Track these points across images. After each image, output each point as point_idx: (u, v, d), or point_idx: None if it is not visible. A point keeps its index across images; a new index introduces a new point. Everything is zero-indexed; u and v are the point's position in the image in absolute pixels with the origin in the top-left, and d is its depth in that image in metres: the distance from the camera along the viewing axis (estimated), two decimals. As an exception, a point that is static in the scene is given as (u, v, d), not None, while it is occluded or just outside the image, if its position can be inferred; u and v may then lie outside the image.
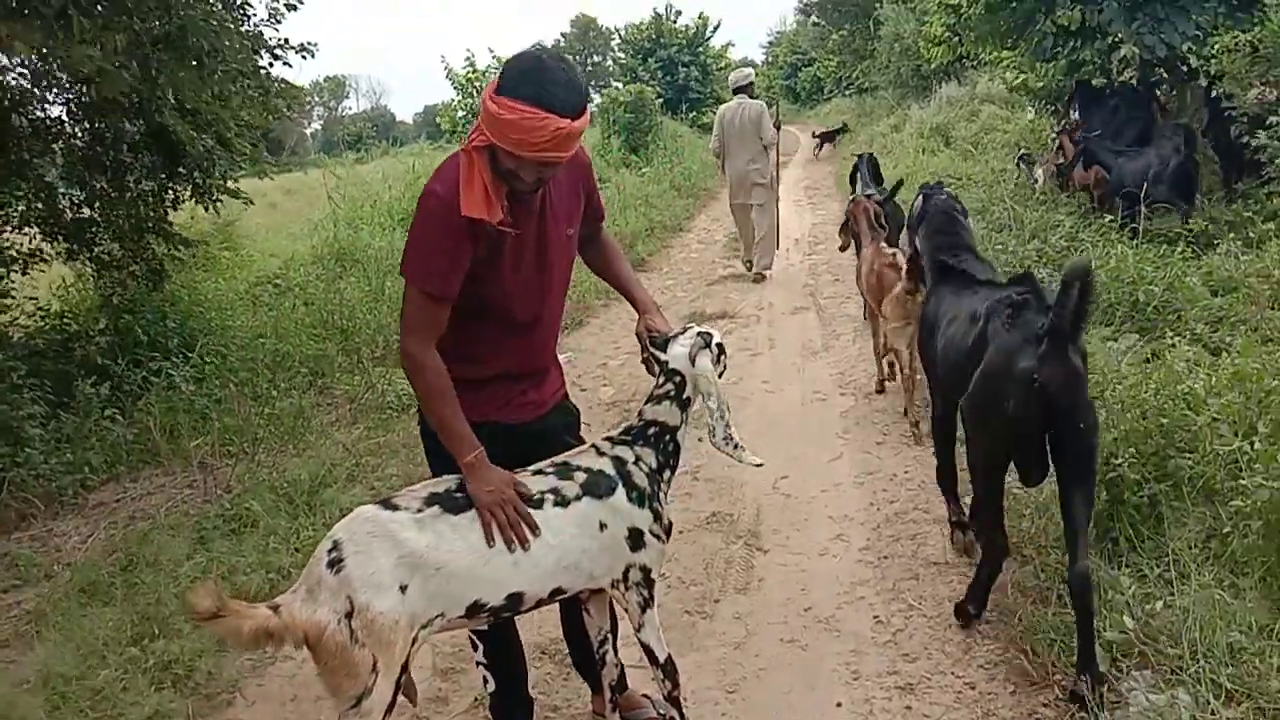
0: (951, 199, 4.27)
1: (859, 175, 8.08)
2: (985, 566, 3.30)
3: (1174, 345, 4.64)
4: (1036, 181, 9.68)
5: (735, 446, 2.61)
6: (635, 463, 2.57)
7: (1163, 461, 3.53)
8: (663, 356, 2.67)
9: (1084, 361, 2.91)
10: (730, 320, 7.93)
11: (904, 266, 4.90)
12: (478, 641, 2.78)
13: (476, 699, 3.26)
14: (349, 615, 2.18)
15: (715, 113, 10.18)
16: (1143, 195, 7.16)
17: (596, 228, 2.83)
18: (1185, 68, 10.02)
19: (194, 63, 6.13)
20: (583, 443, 2.76)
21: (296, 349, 6.91)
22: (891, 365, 5.71)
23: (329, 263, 9.24)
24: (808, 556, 4.01)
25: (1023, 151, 10.61)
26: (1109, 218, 7.24)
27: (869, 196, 6.43)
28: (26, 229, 6.88)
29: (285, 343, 6.98)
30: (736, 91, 9.24)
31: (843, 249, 6.43)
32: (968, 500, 3.70)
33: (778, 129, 9.29)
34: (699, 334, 2.68)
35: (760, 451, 4.96)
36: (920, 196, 4.36)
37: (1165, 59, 8.86)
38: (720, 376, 2.66)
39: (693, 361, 2.63)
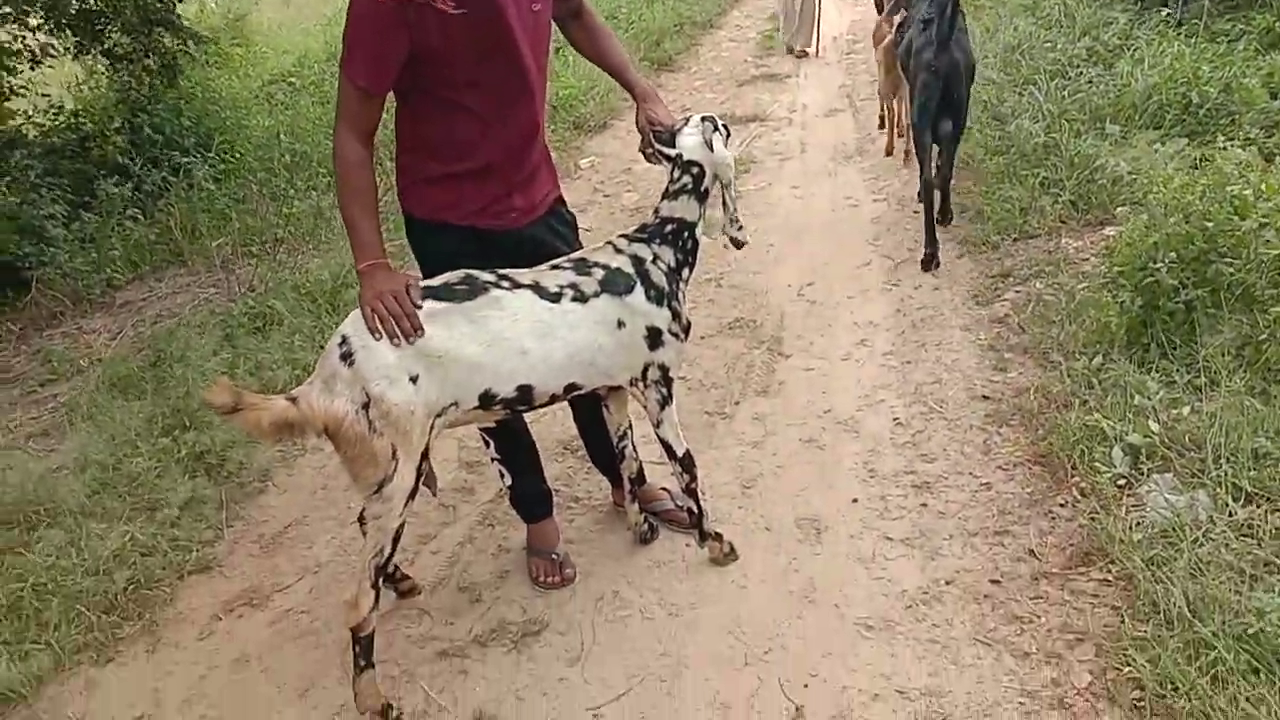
0: None
1: None
2: (924, 199, 4.77)
3: (1225, 149, 4.43)
4: None
5: (740, 228, 2.62)
6: (653, 261, 2.54)
7: (1203, 267, 3.42)
8: (672, 151, 2.58)
9: (963, 53, 4.69)
10: (761, 123, 7.65)
11: (894, 25, 5.85)
12: (489, 439, 2.82)
13: (500, 490, 3.35)
14: (365, 406, 2.19)
15: None
16: None
17: (577, 2, 2.64)
18: None
19: None
20: (579, 247, 2.72)
21: (314, 149, 6.78)
22: (893, 121, 6.43)
23: (345, 59, 8.93)
24: (830, 361, 4.00)
25: None
26: (1165, 11, 6.81)
27: None
28: (30, 19, 6.65)
29: (302, 142, 6.86)
30: None
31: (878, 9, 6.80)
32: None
33: None
34: (704, 119, 2.60)
35: (788, 258, 5.02)
36: None
37: None
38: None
39: (710, 148, 2.55)
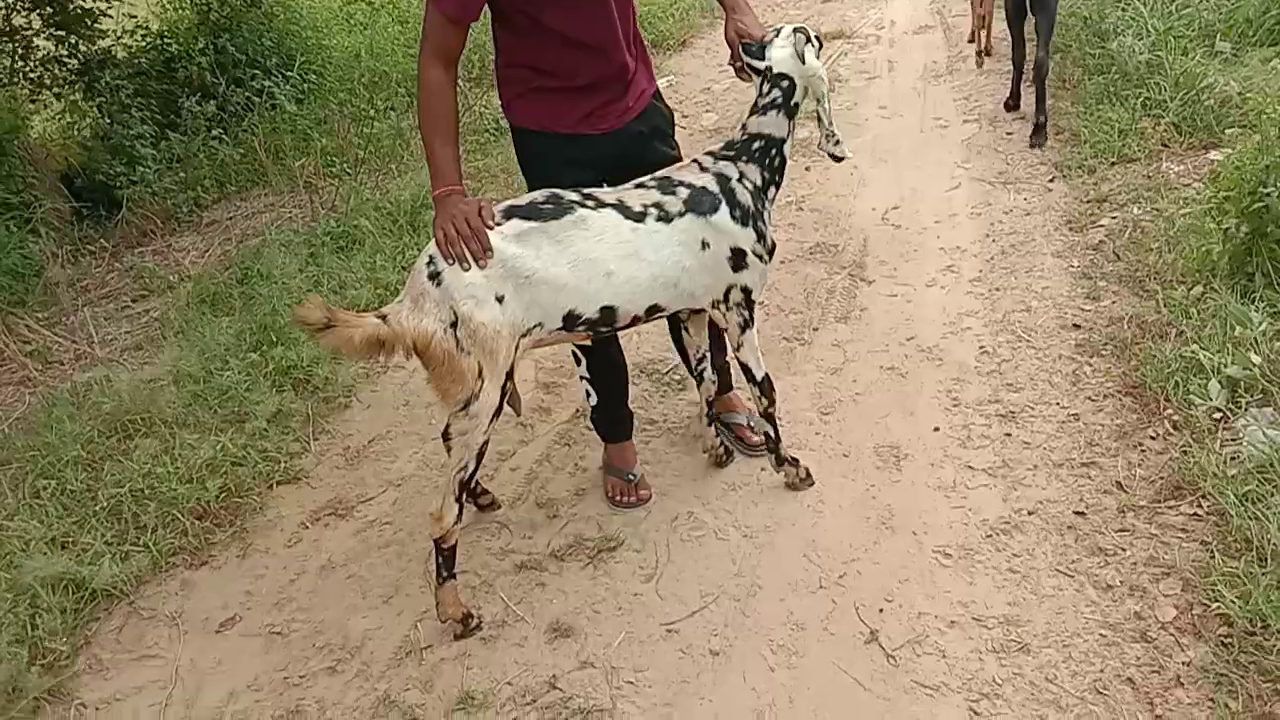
0: None
1: None
2: (1014, 71, 5.44)
3: (1349, 66, 4.17)
4: None
5: (838, 142, 2.56)
6: (739, 179, 2.50)
7: (1317, 193, 3.25)
8: (762, 64, 2.52)
9: None
10: (847, 40, 7.42)
11: None
12: (580, 356, 2.84)
13: (577, 410, 3.39)
14: (453, 325, 2.22)
15: None
16: None
17: None
18: None
19: None
20: (676, 147, 2.73)
21: (393, 69, 6.80)
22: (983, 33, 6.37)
23: (424, -23, 8.88)
24: (914, 288, 3.92)
25: None
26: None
27: None
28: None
29: (382, 62, 6.87)
30: None
31: None
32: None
33: None
34: (795, 30, 2.53)
35: (873, 181, 4.92)
36: None
37: None
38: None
39: (802, 59, 2.50)
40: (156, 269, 4.78)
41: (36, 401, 3.75)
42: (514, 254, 2.25)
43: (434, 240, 2.26)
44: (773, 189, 2.59)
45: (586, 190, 2.40)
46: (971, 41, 6.65)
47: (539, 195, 2.36)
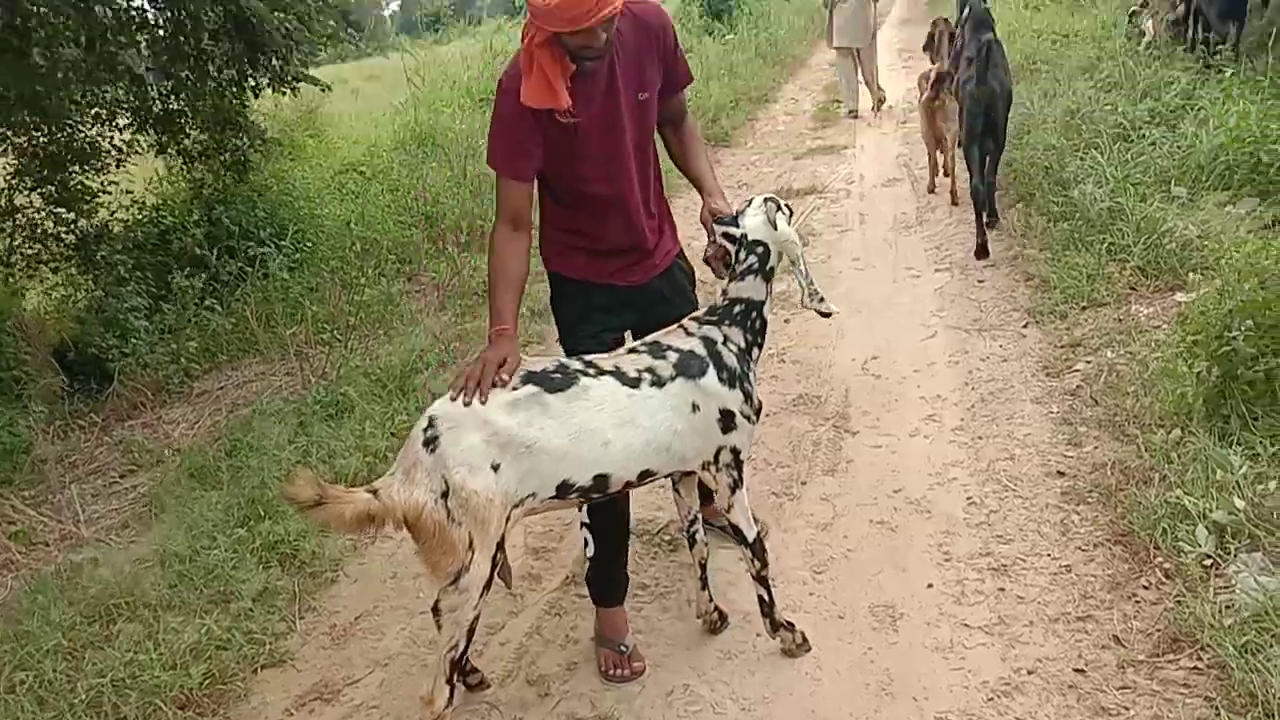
0: (984, 8, 6.28)
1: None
2: (975, 209, 5.75)
3: (1300, 209, 4.34)
4: (1145, 35, 8.99)
5: (821, 299, 2.65)
6: (724, 343, 2.57)
7: (1282, 334, 3.33)
8: (737, 232, 2.64)
9: (1000, 85, 5.70)
10: (819, 195, 7.69)
11: (930, 77, 6.75)
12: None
13: (568, 577, 3.35)
14: (445, 495, 2.22)
15: None
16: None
17: (680, 102, 2.83)
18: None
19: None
20: (695, 303, 2.89)
21: (384, 236, 7.00)
22: (935, 163, 7.13)
23: (411, 147, 9.22)
24: (898, 438, 3.95)
25: (1133, 9, 9.82)
26: (1229, 72, 6.76)
27: (945, 21, 7.71)
28: (117, 118, 7.03)
29: (372, 230, 7.07)
30: None
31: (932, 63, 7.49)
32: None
33: None
34: (766, 200, 2.66)
35: (851, 332, 5.00)
36: (965, 6, 6.50)
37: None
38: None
39: (773, 225, 2.62)
40: (145, 443, 4.78)
41: (19, 586, 3.69)
42: (517, 423, 2.29)
43: (448, 399, 2.32)
44: (756, 350, 2.65)
45: (588, 357, 2.48)
46: (932, 192, 7.19)
47: (550, 364, 2.43)
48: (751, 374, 2.61)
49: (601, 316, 2.79)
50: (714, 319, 2.61)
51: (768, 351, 4.86)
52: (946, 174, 7.04)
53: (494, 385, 2.33)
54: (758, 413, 2.63)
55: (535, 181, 2.62)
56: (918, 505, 3.46)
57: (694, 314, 2.66)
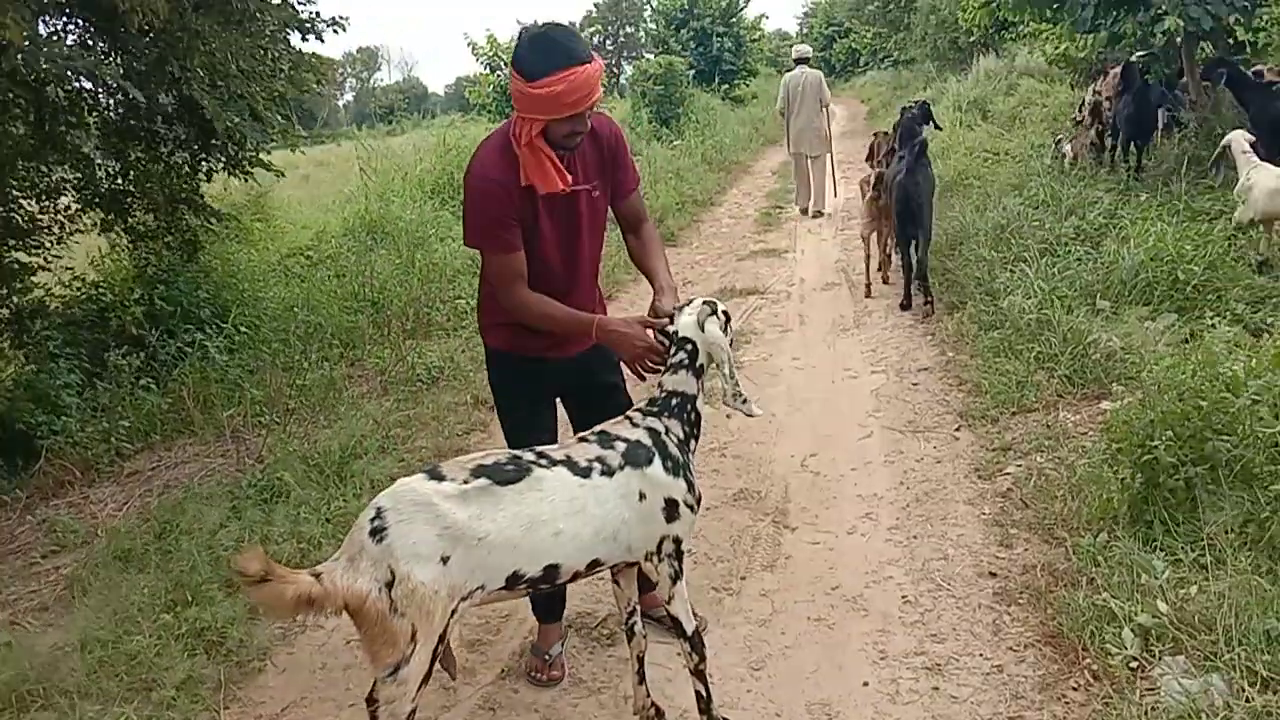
0: (916, 115, 7.56)
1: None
2: (904, 276, 6.94)
3: (1214, 326, 4.56)
4: (1065, 157, 9.52)
5: (744, 401, 2.72)
6: (666, 433, 2.64)
7: (1200, 444, 3.46)
8: (672, 327, 2.74)
9: (924, 178, 6.78)
10: (760, 296, 7.88)
11: (873, 182, 7.50)
12: None
13: (503, 671, 3.29)
14: (389, 585, 2.20)
15: (749, 85, 14.72)
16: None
17: (635, 205, 3.05)
18: (1231, 41, 9.76)
19: (235, 23, 6.13)
20: (620, 373, 3.05)
21: (328, 321, 6.98)
22: (871, 261, 7.73)
23: (360, 235, 9.28)
24: (836, 535, 4.00)
25: (1058, 136, 10.41)
26: (1144, 196, 7.17)
27: (884, 134, 8.68)
28: (62, 197, 6.96)
29: (317, 314, 7.04)
30: (798, 62, 11.66)
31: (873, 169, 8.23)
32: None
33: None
34: (704, 303, 2.77)
35: (790, 429, 5.08)
36: (900, 111, 7.92)
37: (1211, 30, 8.61)
38: (730, 344, 2.79)
39: (701, 327, 2.72)
40: (71, 523, 4.62)
41: (-76, 671, 3.50)
42: (469, 515, 2.28)
43: (401, 487, 2.33)
44: (693, 441, 2.73)
45: (539, 448, 2.52)
46: (869, 297, 7.57)
47: (502, 456, 2.44)
48: (691, 464, 2.67)
49: (529, 385, 3.01)
50: (655, 410, 2.68)
51: (709, 445, 4.93)
52: (881, 266, 7.80)
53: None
54: (698, 502, 2.68)
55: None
56: (854, 603, 3.49)
57: (639, 405, 2.73)
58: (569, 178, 2.71)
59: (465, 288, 7.73)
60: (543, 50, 2.56)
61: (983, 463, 4.39)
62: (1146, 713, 2.62)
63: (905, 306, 6.89)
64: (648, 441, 2.59)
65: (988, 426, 4.74)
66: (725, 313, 2.81)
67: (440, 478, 2.34)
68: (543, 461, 2.45)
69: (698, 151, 15.55)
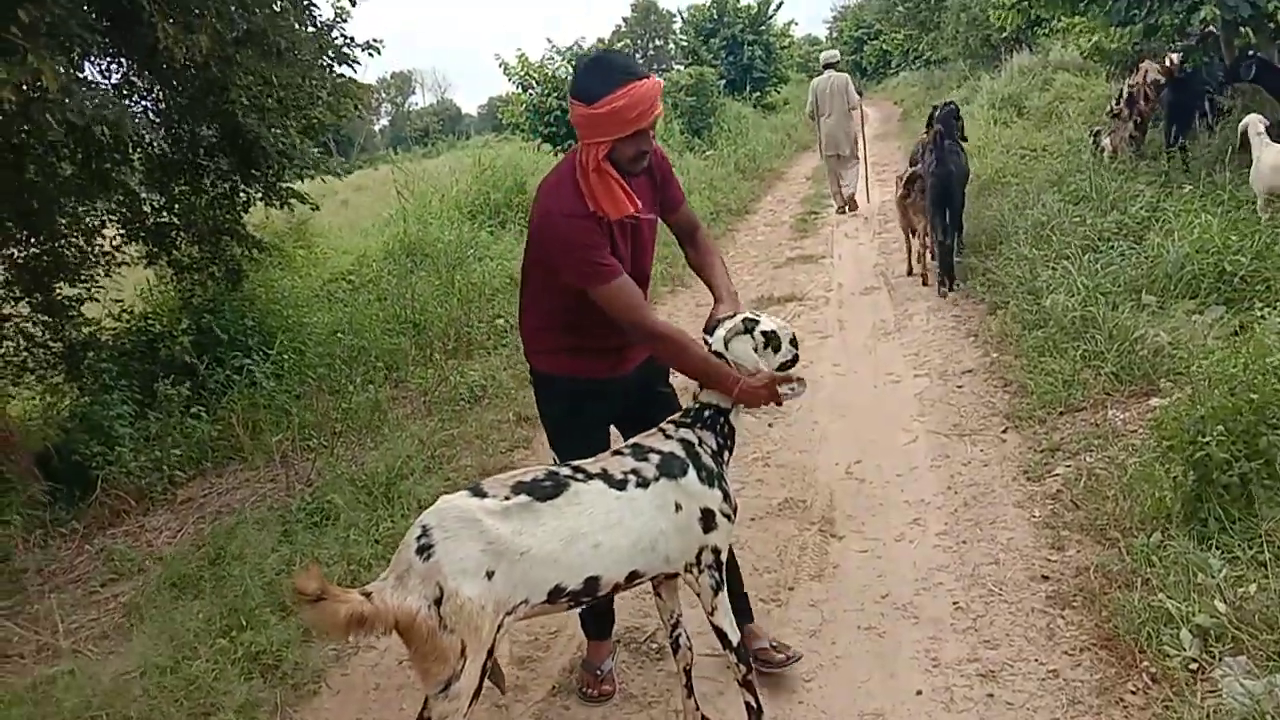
0: (950, 111, 7.89)
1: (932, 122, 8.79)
2: (938, 256, 7.45)
3: (1264, 317, 4.47)
4: (1104, 150, 9.37)
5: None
6: (700, 444, 2.67)
7: (1253, 439, 3.39)
8: (709, 340, 2.76)
9: (956, 165, 7.37)
10: (799, 303, 7.85)
11: (903, 180, 7.95)
12: None
13: (554, 688, 3.31)
14: (438, 601, 2.23)
15: (780, 91, 15.19)
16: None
17: (687, 217, 3.06)
18: (1273, 25, 9.57)
19: (274, 55, 6.25)
20: (673, 390, 3.03)
21: (371, 344, 7.06)
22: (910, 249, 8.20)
23: (400, 258, 9.39)
24: (883, 542, 3.97)
25: (1095, 128, 10.25)
26: (1187, 187, 7.06)
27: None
28: (107, 230, 7.13)
29: (360, 338, 7.13)
30: (826, 67, 12.06)
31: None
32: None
33: (860, 95, 12.07)
34: (743, 319, 2.77)
35: (833, 436, 5.06)
36: (934, 109, 8.14)
37: (1250, 18, 8.45)
38: (789, 363, 2.82)
39: (726, 345, 2.73)
40: (127, 551, 4.73)
41: (-8, 700, 3.60)
42: (510, 531, 2.33)
43: (448, 504, 2.36)
44: (726, 453, 2.75)
45: (575, 463, 2.55)
46: (910, 274, 8.09)
47: (540, 473, 2.49)
48: (725, 474, 2.70)
49: (592, 408, 2.94)
50: (688, 422, 2.72)
51: (751, 455, 4.92)
52: (919, 260, 8.05)
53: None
54: (735, 511, 2.71)
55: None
56: (905, 610, 3.46)
57: (671, 418, 2.76)
58: (638, 202, 2.71)
59: (505, 305, 7.80)
60: (600, 72, 2.60)
61: (1031, 464, 4.34)
62: (1208, 716, 2.57)
63: (944, 293, 7.30)
64: (681, 453, 2.63)
65: (1035, 427, 4.68)
66: (767, 333, 2.78)
67: (482, 495, 2.38)
68: (579, 476, 2.49)
69: (731, 160, 15.55)
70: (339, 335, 7.18)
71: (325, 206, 9.89)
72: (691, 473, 2.60)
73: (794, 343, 2.85)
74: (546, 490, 2.43)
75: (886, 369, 6.02)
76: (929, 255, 7.85)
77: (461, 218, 10.72)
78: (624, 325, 2.71)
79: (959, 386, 5.45)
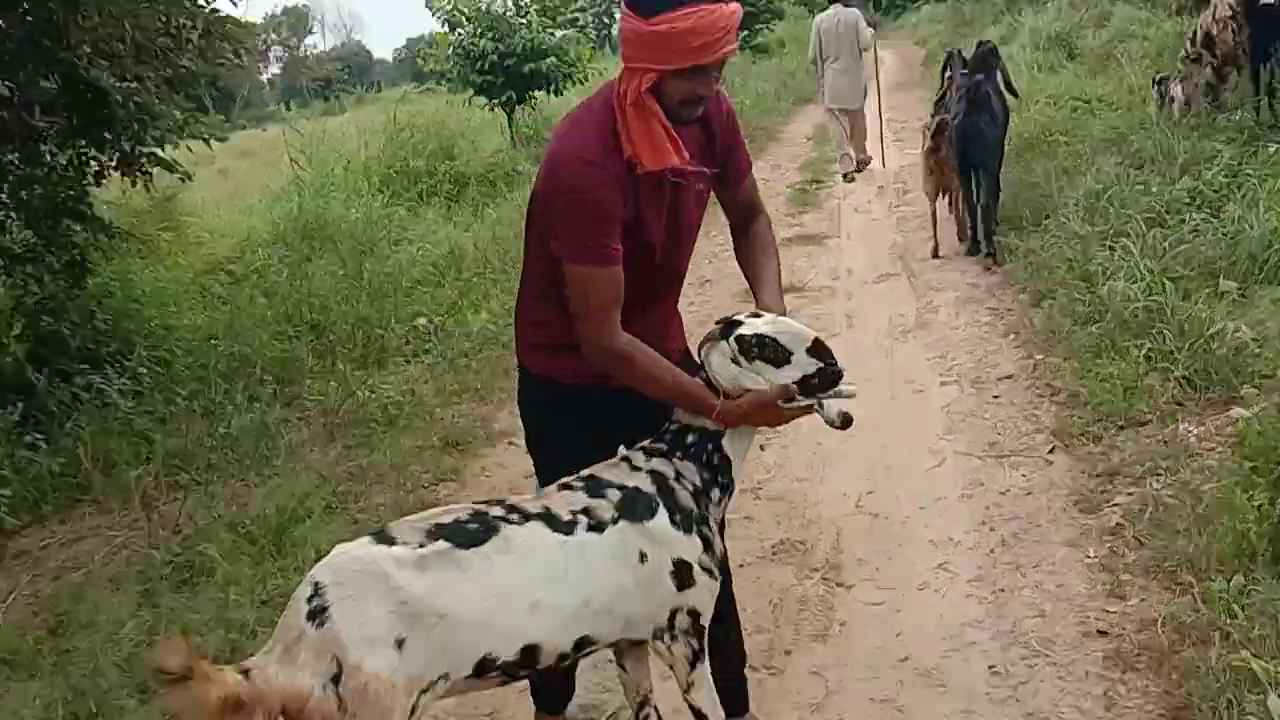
0: (989, 49, 8.43)
1: (950, 66, 9.46)
2: (969, 215, 8.16)
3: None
4: (1174, 102, 9.51)
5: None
6: (677, 478, 2.60)
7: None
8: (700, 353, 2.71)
9: (991, 121, 7.72)
10: (797, 295, 7.90)
11: (932, 129, 8.34)
12: None
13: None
14: (335, 679, 2.20)
15: (774, 30, 14.63)
16: None
17: (748, 193, 3.00)
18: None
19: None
20: None
21: (257, 352, 7.00)
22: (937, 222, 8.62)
23: (294, 242, 9.35)
24: (902, 593, 4.00)
25: (1159, 74, 10.40)
26: (1274, 147, 7.18)
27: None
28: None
29: (243, 344, 7.08)
30: (833, 1, 12.11)
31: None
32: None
33: (874, 27, 12.45)
34: (737, 337, 2.61)
35: (840, 461, 5.09)
36: (948, 52, 9.53)
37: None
38: (819, 380, 2.61)
39: (700, 354, 2.67)
40: (-58, 621, 4.66)
41: None
42: (426, 588, 2.27)
43: (344, 556, 2.30)
44: (717, 490, 2.66)
45: (510, 500, 2.50)
46: (935, 256, 8.37)
47: (463, 512, 2.43)
48: (713, 518, 2.65)
49: (595, 423, 2.76)
50: (663, 449, 2.64)
51: (739, 486, 4.91)
52: (959, 232, 8.48)
53: None
54: (722, 565, 2.65)
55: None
56: (930, 678, 3.48)
57: (642, 444, 2.69)
58: (684, 154, 2.59)
59: (427, 302, 7.78)
60: None
61: (1085, 492, 4.40)
62: (1302, 801, 2.60)
63: (972, 252, 8.06)
64: (650, 488, 2.56)
65: (1089, 446, 4.74)
66: (750, 339, 2.59)
67: (390, 541, 2.33)
68: (514, 517, 2.44)
69: (713, 117, 15.60)
70: (215, 342, 7.13)
71: (199, 178, 9.80)
72: (662, 514, 2.53)
73: (818, 351, 2.60)
74: (472, 534, 2.38)
75: (906, 376, 6.07)
76: (957, 219, 8.48)
77: (372, 191, 10.70)
78: (577, 325, 2.64)
79: (995, 396, 5.51)
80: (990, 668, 3.47)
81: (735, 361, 2.59)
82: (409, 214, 10.08)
